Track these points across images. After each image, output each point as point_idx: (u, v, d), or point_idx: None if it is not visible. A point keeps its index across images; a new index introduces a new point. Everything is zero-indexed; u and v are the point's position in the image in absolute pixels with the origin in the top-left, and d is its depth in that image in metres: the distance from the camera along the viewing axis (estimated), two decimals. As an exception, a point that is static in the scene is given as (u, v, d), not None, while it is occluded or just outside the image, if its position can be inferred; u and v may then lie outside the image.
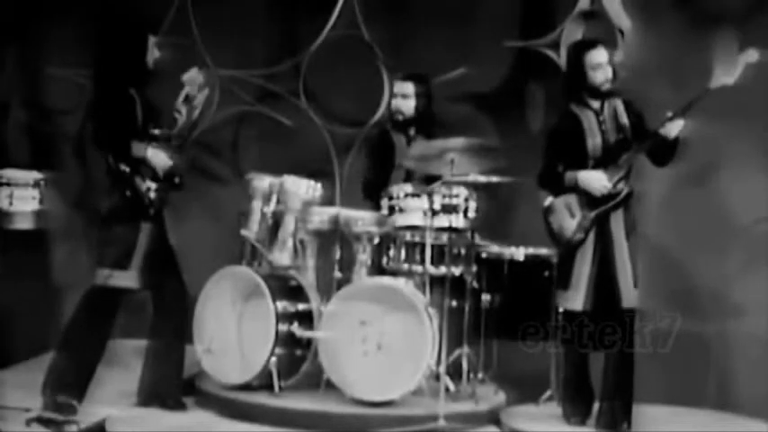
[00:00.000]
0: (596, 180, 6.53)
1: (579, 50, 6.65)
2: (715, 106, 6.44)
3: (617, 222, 6.55)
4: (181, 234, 6.76)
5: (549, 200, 6.68)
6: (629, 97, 6.67)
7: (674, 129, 6.43)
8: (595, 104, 6.59)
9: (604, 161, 6.56)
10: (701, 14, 7.50)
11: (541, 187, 6.73)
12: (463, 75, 7.99)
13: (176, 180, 6.62)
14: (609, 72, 6.57)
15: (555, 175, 6.64)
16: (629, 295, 6.49)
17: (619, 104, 6.62)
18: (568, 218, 6.59)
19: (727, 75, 6.31)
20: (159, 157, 6.50)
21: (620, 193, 6.54)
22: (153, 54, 6.56)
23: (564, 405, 6.75)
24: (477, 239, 7.02)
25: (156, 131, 6.55)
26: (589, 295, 6.53)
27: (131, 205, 6.47)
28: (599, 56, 6.56)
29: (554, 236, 6.67)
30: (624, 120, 6.59)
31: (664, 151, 6.56)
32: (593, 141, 6.59)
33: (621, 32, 7.59)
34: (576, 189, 6.56)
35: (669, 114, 6.42)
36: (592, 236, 6.56)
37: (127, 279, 6.48)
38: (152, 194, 6.49)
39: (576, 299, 6.55)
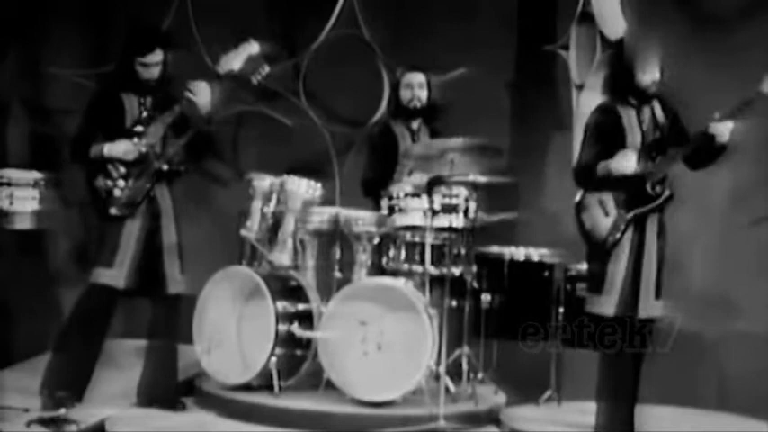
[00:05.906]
0: (626, 160, 6.20)
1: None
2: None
3: (651, 227, 6.30)
4: (181, 234, 6.75)
5: (579, 195, 6.39)
6: (666, 95, 6.42)
7: (723, 131, 6.11)
8: (634, 101, 6.33)
9: (642, 160, 6.27)
10: (703, 17, 7.50)
11: (577, 184, 6.40)
12: (464, 74, 7.99)
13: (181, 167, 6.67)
14: (656, 74, 6.27)
15: (588, 169, 6.32)
16: (649, 305, 6.24)
17: (656, 102, 6.36)
18: (602, 216, 6.30)
19: None
20: (118, 149, 6.51)
21: (659, 196, 6.28)
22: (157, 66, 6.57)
23: (600, 417, 6.31)
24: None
25: (139, 128, 6.58)
26: (622, 301, 6.23)
27: (99, 204, 6.54)
28: (650, 58, 6.25)
29: (586, 234, 6.35)
30: (661, 119, 6.34)
31: (705, 155, 6.27)
32: (633, 139, 6.31)
33: (602, 36, 7.54)
34: (609, 182, 6.24)
35: (717, 115, 6.10)
36: (628, 237, 6.27)
37: (111, 278, 6.49)
38: (116, 192, 6.50)
39: (608, 303, 6.23)
